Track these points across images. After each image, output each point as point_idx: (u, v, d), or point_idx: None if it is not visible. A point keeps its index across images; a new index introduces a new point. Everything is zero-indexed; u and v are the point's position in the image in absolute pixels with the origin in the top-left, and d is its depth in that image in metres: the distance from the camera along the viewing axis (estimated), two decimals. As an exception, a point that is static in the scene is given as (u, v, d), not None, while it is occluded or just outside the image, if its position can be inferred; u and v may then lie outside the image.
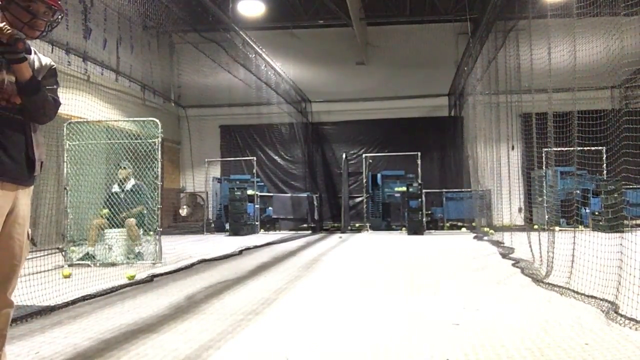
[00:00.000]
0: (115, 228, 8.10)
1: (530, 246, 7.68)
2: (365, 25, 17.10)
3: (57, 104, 2.74)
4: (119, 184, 8.43)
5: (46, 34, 2.73)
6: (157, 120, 8.24)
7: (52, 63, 2.80)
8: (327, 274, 7.06)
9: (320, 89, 19.56)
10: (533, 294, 5.12)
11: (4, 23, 2.50)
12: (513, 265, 7.18)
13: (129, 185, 8.41)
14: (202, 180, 18.41)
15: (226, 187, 16.91)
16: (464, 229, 15.85)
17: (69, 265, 7.43)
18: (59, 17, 2.70)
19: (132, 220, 8.15)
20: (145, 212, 8.34)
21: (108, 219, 8.16)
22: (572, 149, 6.09)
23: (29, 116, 2.61)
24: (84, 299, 5.07)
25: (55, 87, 2.77)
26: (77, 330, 3.96)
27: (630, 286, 4.10)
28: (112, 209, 8.21)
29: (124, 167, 8.37)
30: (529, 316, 4.12)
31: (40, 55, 2.75)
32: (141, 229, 8.21)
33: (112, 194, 8.36)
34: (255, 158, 17.93)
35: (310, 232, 16.28)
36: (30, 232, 2.69)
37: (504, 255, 8.36)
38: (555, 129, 6.62)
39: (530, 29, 7.75)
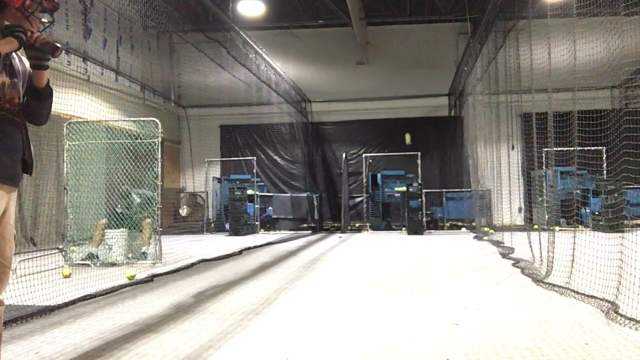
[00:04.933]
0: (128, 229, 8.12)
1: (530, 246, 7.68)
2: (365, 25, 17.08)
3: None
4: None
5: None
6: (157, 120, 8.24)
7: None
8: (327, 274, 7.06)
9: (320, 89, 19.55)
10: (533, 294, 5.12)
11: (45, 35, 2.51)
12: (513, 265, 7.18)
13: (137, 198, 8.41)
14: (202, 180, 18.41)
15: (226, 187, 16.92)
16: (464, 229, 15.85)
17: (69, 265, 7.43)
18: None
19: (149, 221, 8.16)
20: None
21: (122, 219, 8.18)
22: (572, 148, 6.09)
23: (32, 119, 2.64)
24: (84, 298, 5.08)
25: None
26: (78, 330, 3.96)
27: (630, 286, 4.10)
28: (127, 210, 8.27)
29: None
30: (529, 316, 4.12)
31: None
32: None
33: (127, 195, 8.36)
34: (255, 158, 17.94)
35: (310, 232, 16.28)
36: (15, 234, 2.69)
37: (504, 255, 8.36)
38: (555, 128, 6.62)
39: (530, 29, 7.74)
